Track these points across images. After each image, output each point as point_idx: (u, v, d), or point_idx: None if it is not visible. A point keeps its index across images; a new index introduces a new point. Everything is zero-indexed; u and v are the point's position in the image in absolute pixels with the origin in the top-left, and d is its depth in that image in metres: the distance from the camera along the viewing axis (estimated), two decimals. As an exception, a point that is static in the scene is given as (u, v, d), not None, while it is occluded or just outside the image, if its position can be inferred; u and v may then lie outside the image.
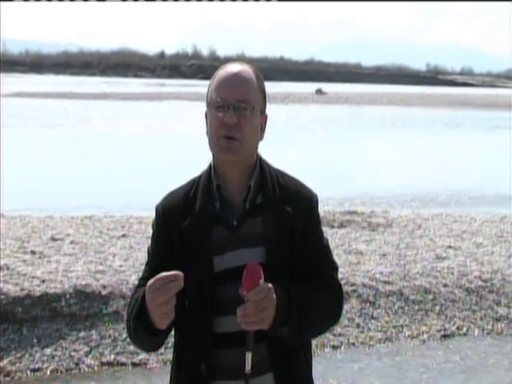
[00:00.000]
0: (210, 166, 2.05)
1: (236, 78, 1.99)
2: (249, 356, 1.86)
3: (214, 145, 2.00)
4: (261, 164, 2.05)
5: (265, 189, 2.01)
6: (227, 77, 2.00)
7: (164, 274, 1.80)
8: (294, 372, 1.99)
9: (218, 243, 1.98)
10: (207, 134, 2.03)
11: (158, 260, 2.04)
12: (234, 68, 2.02)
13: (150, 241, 2.11)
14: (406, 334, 6.00)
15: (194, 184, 2.06)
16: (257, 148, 2.05)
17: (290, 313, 1.89)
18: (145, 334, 1.91)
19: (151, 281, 1.81)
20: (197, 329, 1.98)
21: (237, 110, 1.96)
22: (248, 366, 1.86)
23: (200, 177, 2.07)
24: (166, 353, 5.36)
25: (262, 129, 2.04)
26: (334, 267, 2.10)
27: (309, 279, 1.99)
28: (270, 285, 1.84)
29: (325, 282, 2.02)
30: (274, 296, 1.85)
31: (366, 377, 5.32)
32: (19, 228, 8.42)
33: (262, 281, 1.83)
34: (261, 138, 2.05)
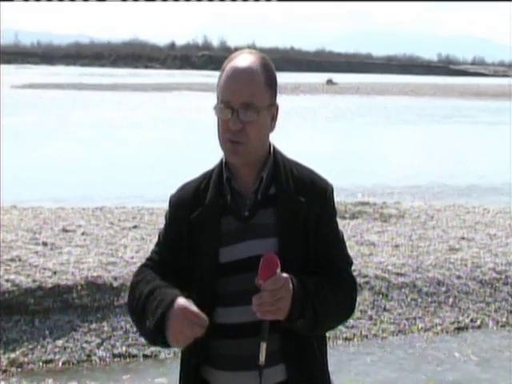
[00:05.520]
0: (222, 158, 2.04)
1: (241, 76, 1.92)
2: (263, 346, 1.82)
3: (221, 146, 1.99)
4: (274, 154, 2.02)
5: (278, 179, 1.98)
6: (232, 75, 1.93)
7: (195, 311, 1.82)
8: (306, 363, 1.97)
9: (227, 234, 1.96)
10: (217, 127, 2.01)
11: (166, 254, 2.04)
12: (240, 63, 1.94)
13: (163, 226, 2.11)
14: (419, 327, 5.95)
15: (205, 177, 2.05)
16: (267, 140, 2.01)
17: (305, 305, 1.86)
18: (159, 343, 1.93)
19: (180, 305, 1.83)
20: None
21: (242, 114, 1.91)
22: (262, 357, 1.82)
23: (212, 170, 2.05)
24: (178, 345, 5.35)
25: (274, 119, 1.99)
26: (349, 261, 2.07)
27: (323, 272, 1.96)
28: (287, 275, 1.82)
29: (339, 275, 1.99)
30: (291, 286, 1.82)
31: (378, 369, 5.28)
32: (31, 219, 8.43)
33: (278, 270, 1.80)
34: (271, 129, 2.00)
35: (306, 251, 1.95)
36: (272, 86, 1.97)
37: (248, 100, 1.91)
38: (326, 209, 2.00)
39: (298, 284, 1.85)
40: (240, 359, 1.93)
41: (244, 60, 1.95)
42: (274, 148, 2.04)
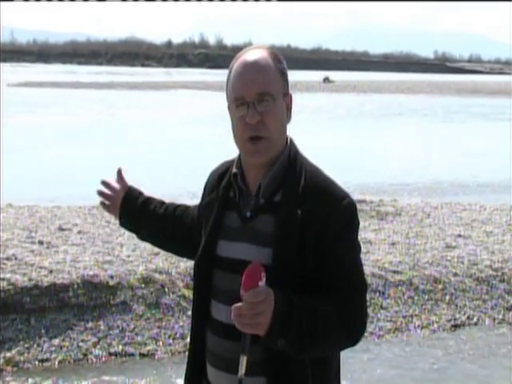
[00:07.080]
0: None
1: (252, 69, 1.86)
2: (243, 360, 1.69)
3: (240, 148, 1.91)
4: (289, 157, 1.90)
5: (285, 186, 1.87)
6: (242, 69, 1.87)
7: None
8: (289, 381, 1.83)
9: (227, 229, 1.92)
10: (233, 129, 1.92)
11: (191, 218, 2.20)
12: (248, 57, 1.89)
13: None
14: (416, 324, 5.95)
15: (231, 163, 2.02)
16: (285, 132, 1.92)
17: (287, 324, 1.69)
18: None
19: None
20: (194, 310, 2.00)
21: (258, 105, 1.83)
22: (242, 371, 1.68)
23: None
24: (174, 343, 5.36)
25: (289, 109, 1.93)
26: (359, 287, 1.83)
27: (322, 293, 1.79)
28: (270, 289, 1.67)
29: (342, 300, 1.78)
30: (273, 302, 1.67)
31: (375, 367, 5.28)
32: (27, 218, 8.41)
33: (261, 283, 1.66)
34: (288, 119, 1.93)
35: (304, 266, 1.80)
36: (284, 75, 1.92)
37: (262, 90, 1.84)
38: (335, 221, 1.81)
39: (284, 301, 1.69)
40: (223, 359, 1.88)
41: (252, 54, 1.90)
42: (290, 146, 1.93)
